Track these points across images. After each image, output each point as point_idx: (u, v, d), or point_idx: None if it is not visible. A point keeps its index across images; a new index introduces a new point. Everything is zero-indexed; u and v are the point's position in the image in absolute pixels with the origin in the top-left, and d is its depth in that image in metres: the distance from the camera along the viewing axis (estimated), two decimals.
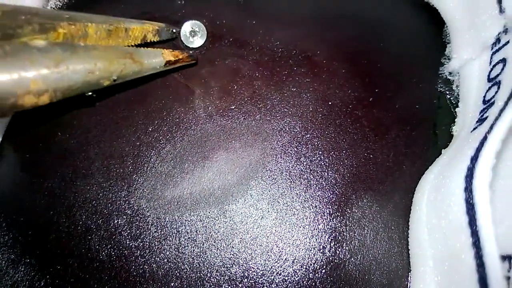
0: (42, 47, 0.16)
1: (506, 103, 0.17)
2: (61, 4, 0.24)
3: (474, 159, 0.16)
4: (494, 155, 0.15)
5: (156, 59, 0.21)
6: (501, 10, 0.18)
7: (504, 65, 0.19)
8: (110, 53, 0.19)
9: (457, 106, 0.22)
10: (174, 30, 0.23)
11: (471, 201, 0.15)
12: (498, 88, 0.19)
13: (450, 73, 0.23)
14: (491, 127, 0.16)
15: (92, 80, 0.18)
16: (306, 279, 0.20)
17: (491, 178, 0.15)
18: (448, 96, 0.23)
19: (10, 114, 0.17)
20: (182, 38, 0.23)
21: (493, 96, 0.19)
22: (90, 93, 0.19)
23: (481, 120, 0.19)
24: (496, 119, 0.16)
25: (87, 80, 0.18)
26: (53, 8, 0.24)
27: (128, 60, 0.19)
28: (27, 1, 0.22)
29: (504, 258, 0.16)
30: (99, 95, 0.22)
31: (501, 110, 0.17)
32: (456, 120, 0.22)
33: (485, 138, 0.16)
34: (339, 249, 0.21)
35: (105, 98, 0.23)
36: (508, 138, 0.16)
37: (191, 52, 0.23)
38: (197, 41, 0.23)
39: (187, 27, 0.23)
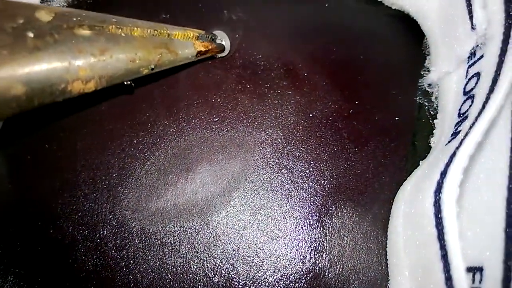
0: (87, 36, 0.18)
1: (476, 118, 0.17)
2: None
3: (443, 174, 0.16)
4: (461, 171, 0.16)
5: (189, 50, 0.22)
6: (473, 27, 0.18)
7: (478, 79, 0.19)
8: (148, 43, 0.20)
9: (436, 118, 0.23)
10: (213, 37, 0.24)
11: (439, 216, 0.16)
12: (472, 102, 0.19)
13: (429, 85, 0.23)
14: (461, 143, 0.17)
15: (133, 68, 0.19)
16: None
17: (458, 193, 0.15)
18: (427, 108, 0.23)
19: (60, 99, 0.18)
20: None
21: (467, 110, 0.19)
22: (129, 82, 0.20)
23: (455, 134, 0.19)
24: (466, 134, 0.17)
25: (128, 68, 0.19)
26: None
27: (164, 50, 0.21)
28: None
29: (471, 269, 0.16)
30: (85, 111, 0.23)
31: (472, 125, 0.17)
32: (434, 132, 0.22)
33: (454, 154, 0.16)
34: (319, 259, 0.21)
35: (92, 111, 0.23)
36: (477, 153, 0.17)
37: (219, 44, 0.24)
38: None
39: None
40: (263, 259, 0.21)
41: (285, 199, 0.22)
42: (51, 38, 0.16)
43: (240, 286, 0.21)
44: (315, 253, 0.21)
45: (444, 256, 0.16)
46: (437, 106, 0.23)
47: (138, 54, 0.19)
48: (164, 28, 0.21)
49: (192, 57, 0.23)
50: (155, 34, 0.21)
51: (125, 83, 0.20)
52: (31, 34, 0.16)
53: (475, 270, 0.16)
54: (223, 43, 0.24)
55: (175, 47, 0.21)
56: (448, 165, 0.16)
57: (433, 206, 0.16)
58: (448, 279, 0.15)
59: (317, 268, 0.21)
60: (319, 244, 0.21)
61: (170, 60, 0.21)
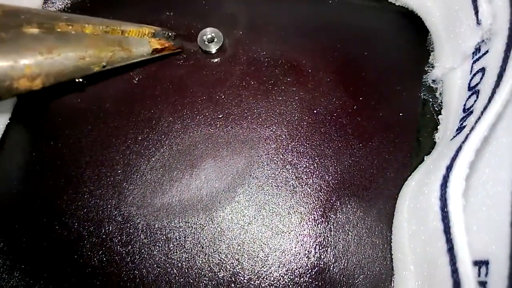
0: (35, 34, 0.18)
1: (482, 113, 0.17)
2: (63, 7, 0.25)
3: (449, 168, 0.16)
4: (467, 165, 0.16)
5: (144, 47, 0.22)
6: (478, 22, 0.18)
7: (483, 74, 0.19)
8: (100, 41, 0.20)
9: (440, 114, 0.23)
10: (170, 34, 0.24)
11: (445, 209, 0.16)
12: (477, 97, 0.19)
13: (433, 80, 0.23)
14: (467, 137, 0.17)
15: (83, 66, 0.19)
16: (292, 283, 0.21)
17: (464, 187, 0.15)
18: (432, 104, 0.23)
19: (7, 96, 0.18)
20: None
21: (472, 105, 0.19)
22: (80, 79, 0.20)
23: (460, 129, 0.19)
24: (472, 129, 0.17)
25: (78, 66, 0.19)
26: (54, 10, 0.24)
27: (117, 48, 0.21)
28: (25, 2, 0.23)
29: (477, 263, 0.16)
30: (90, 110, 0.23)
31: (477, 120, 0.17)
32: (438, 127, 0.22)
33: (460, 148, 0.16)
34: (324, 254, 0.21)
35: (96, 108, 0.24)
36: (483, 148, 0.17)
37: (175, 40, 0.24)
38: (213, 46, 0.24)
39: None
40: (268, 254, 0.21)
41: (290, 195, 0.22)
42: None
43: (245, 281, 0.21)
44: (320, 248, 0.21)
45: (450, 250, 0.16)
46: (441, 102, 0.23)
47: (89, 51, 0.19)
48: (118, 25, 0.21)
49: (148, 55, 0.22)
50: (108, 31, 0.21)
51: (76, 80, 0.20)
52: None
53: (480, 264, 0.16)
54: (214, 42, 0.24)
55: (129, 45, 0.21)
56: (454, 159, 0.16)
57: (439, 200, 0.16)
58: (454, 272, 0.15)
59: (322, 263, 0.21)
60: (323, 239, 0.21)
61: (123, 58, 0.21)
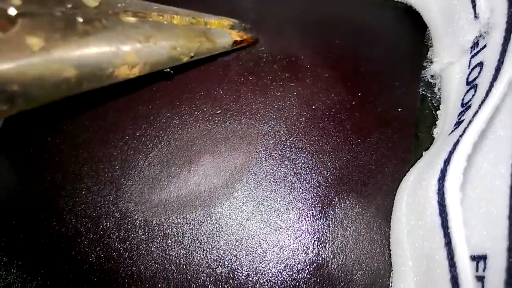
0: (133, 22, 0.18)
1: (479, 107, 0.17)
2: None
3: (447, 162, 0.16)
4: (465, 158, 0.16)
5: (226, 39, 0.22)
6: (476, 16, 0.18)
7: (481, 69, 0.19)
8: (189, 31, 0.21)
9: (439, 109, 0.23)
10: (246, 26, 0.24)
11: (443, 203, 0.16)
12: (475, 91, 0.19)
13: (432, 76, 0.23)
14: (464, 131, 0.17)
15: (175, 56, 0.20)
16: (290, 279, 0.21)
17: (461, 181, 0.15)
18: (430, 99, 0.23)
19: (106, 83, 0.18)
20: None
21: (470, 100, 0.19)
22: (168, 69, 0.21)
23: (458, 123, 0.19)
24: (470, 122, 0.17)
25: (171, 55, 0.20)
26: None
27: (203, 39, 0.21)
28: None
29: (474, 258, 0.16)
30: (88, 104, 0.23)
31: (475, 114, 0.17)
32: (437, 122, 0.22)
33: (457, 142, 0.16)
34: (322, 250, 0.21)
35: (94, 104, 0.24)
36: (480, 141, 0.17)
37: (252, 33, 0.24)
38: None
39: None
40: (266, 250, 0.21)
41: (288, 191, 0.22)
42: (99, 23, 0.17)
43: (243, 277, 0.21)
44: (318, 243, 0.21)
45: (448, 244, 0.16)
46: (440, 97, 0.23)
47: (180, 41, 0.20)
48: (201, 16, 0.22)
49: (228, 47, 0.23)
50: (193, 23, 0.21)
51: (165, 70, 0.21)
52: (80, 19, 0.16)
53: (478, 259, 0.16)
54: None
55: (213, 36, 0.22)
56: (451, 153, 0.16)
57: (436, 194, 0.16)
58: (452, 266, 0.15)
59: (320, 259, 0.21)
60: (322, 235, 0.21)
61: (209, 49, 0.22)
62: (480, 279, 0.16)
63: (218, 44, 0.22)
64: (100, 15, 0.17)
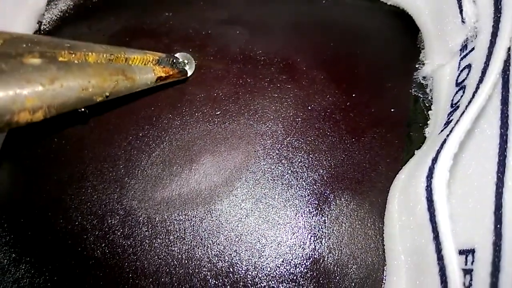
0: (37, 64, 0.17)
1: (466, 107, 0.18)
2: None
3: (434, 160, 0.17)
4: (451, 156, 0.16)
5: (148, 75, 0.22)
6: (463, 20, 0.19)
7: (469, 71, 0.20)
8: (103, 70, 0.19)
9: (430, 109, 0.24)
10: (174, 60, 0.23)
11: (431, 199, 0.17)
12: (463, 92, 0.20)
13: (424, 77, 0.24)
14: (451, 130, 0.17)
15: (85, 97, 0.19)
16: (288, 273, 0.22)
17: (448, 177, 0.16)
18: (422, 100, 0.24)
19: (5, 130, 0.17)
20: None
21: (459, 100, 0.20)
22: (82, 109, 0.20)
23: (447, 123, 0.20)
24: (457, 122, 0.18)
25: (80, 97, 0.18)
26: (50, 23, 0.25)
27: (120, 77, 0.20)
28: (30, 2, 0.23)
29: (463, 252, 0.17)
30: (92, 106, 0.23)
31: (462, 114, 0.18)
32: (428, 122, 0.23)
33: (445, 141, 0.17)
34: (318, 245, 0.22)
35: (98, 107, 0.24)
36: (468, 140, 0.18)
37: (181, 68, 0.24)
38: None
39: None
40: (264, 246, 0.22)
41: (286, 188, 0.23)
42: None
43: (242, 271, 0.22)
44: (315, 239, 0.22)
45: (436, 238, 0.16)
46: (431, 98, 0.24)
47: (92, 81, 0.18)
48: (122, 52, 0.21)
49: (152, 83, 0.22)
50: (111, 59, 0.20)
51: (79, 110, 0.19)
52: None
53: (467, 253, 0.17)
54: (187, 66, 0.24)
55: (133, 73, 0.21)
56: (439, 151, 0.17)
57: (425, 190, 0.17)
58: (440, 259, 0.16)
59: (317, 254, 0.22)
60: (318, 231, 0.22)
61: (127, 87, 0.20)
62: (469, 271, 0.17)
63: (138, 81, 0.21)
64: (0, 58, 0.16)
